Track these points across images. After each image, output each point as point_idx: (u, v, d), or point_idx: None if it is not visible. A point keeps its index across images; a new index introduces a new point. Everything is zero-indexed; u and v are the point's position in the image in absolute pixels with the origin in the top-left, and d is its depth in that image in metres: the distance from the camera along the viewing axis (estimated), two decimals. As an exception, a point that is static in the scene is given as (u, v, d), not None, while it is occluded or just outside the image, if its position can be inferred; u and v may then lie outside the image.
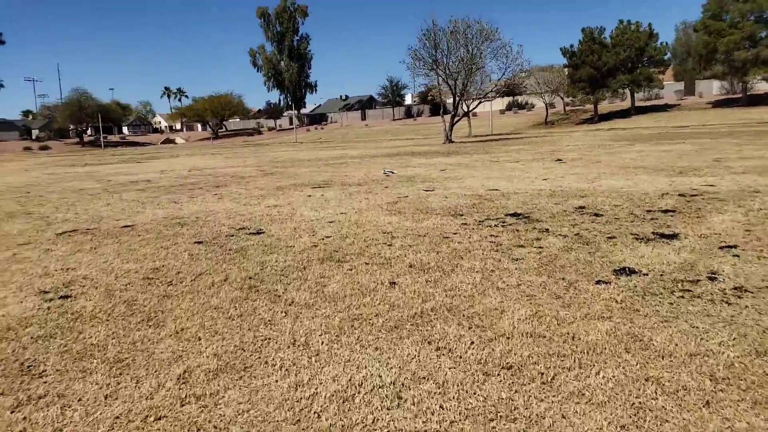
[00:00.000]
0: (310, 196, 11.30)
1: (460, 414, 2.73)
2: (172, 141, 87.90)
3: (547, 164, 16.00)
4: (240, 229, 7.79)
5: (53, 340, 3.94)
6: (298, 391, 3.03)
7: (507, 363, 3.25)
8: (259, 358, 3.50)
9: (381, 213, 8.57)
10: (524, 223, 7.25)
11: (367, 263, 5.54)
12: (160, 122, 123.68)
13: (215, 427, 2.73)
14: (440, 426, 2.63)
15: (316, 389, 3.05)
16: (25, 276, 5.70)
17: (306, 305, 4.39)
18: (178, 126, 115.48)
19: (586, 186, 10.61)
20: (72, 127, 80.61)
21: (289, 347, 3.63)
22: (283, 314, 4.23)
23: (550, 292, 4.43)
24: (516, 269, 5.10)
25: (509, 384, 3.01)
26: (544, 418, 2.66)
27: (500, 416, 2.70)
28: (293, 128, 75.30)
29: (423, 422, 2.67)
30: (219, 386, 3.15)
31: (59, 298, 4.89)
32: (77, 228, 8.51)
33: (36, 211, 10.81)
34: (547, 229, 6.75)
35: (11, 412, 2.95)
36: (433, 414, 2.74)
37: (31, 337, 4.01)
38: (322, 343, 3.67)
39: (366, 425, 2.66)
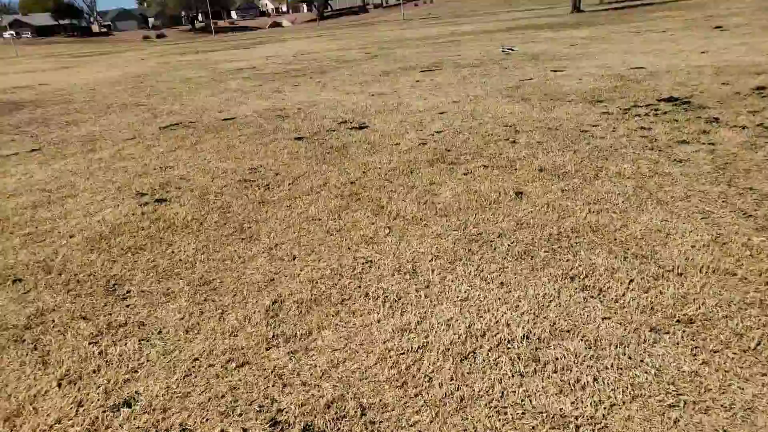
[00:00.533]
0: (418, 81, 10.37)
1: (623, 392, 2.04)
2: (279, 24, 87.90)
3: (704, 33, 13.54)
4: (342, 122, 7.20)
5: (142, 253, 3.69)
6: (404, 340, 2.48)
7: (685, 315, 2.45)
8: (359, 287, 2.99)
9: (501, 100, 7.55)
10: (684, 110, 5.96)
11: (485, 166, 4.76)
12: (266, 4, 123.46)
13: (303, 384, 2.27)
14: (597, 410, 1.97)
15: (426, 338, 2.48)
16: (125, 175, 5.58)
17: (413, 220, 3.78)
18: (284, 8, 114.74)
19: (763, 59, 8.68)
20: (183, 13, 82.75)
21: (393, 275, 3.07)
22: (387, 230, 3.65)
23: (733, 208, 3.44)
24: (681, 174, 4.08)
25: (692, 348, 2.24)
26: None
27: (683, 401, 1.98)
28: (400, 3, 71.81)
29: (572, 403, 2.02)
30: (312, 324, 2.68)
31: (154, 202, 4.68)
32: (180, 121, 8.39)
33: (145, 102, 10.93)
34: (716, 119, 5.46)
35: (89, 343, 2.70)
36: (584, 388, 2.08)
37: (122, 249, 3.79)
38: (433, 271, 3.06)
39: (492, 399, 2.07)
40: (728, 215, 3.36)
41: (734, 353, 2.18)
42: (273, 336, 2.63)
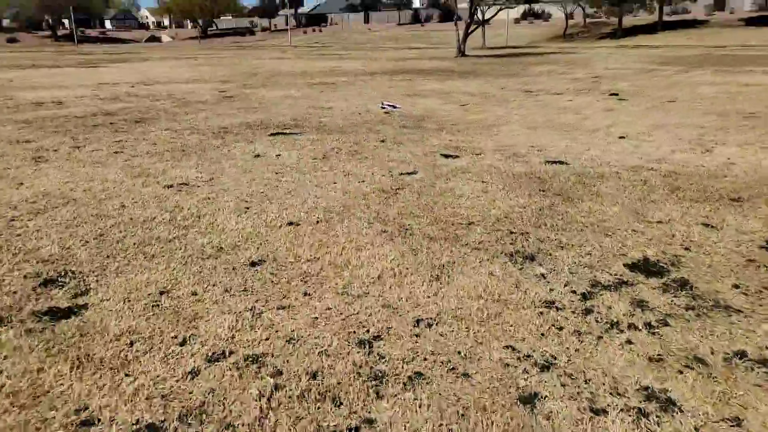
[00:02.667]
0: (257, 156, 7.05)
1: None
2: (157, 39, 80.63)
3: (602, 102, 11.54)
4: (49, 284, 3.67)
5: None
6: None
7: None
8: None
9: (366, 234, 4.42)
10: (687, 306, 3.14)
11: None
12: (147, 17, 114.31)
13: None
14: None
15: None
16: None
17: None
18: (167, 22, 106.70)
19: (705, 160, 6.36)
20: (46, 17, 73.10)
21: None
22: None
23: None
24: None
25: None
26: None
27: None
28: (288, 29, 68.29)
29: None
30: None
31: None
32: None
33: None
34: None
35: None
36: None
37: None
38: None
39: None
40: None
41: None
42: None
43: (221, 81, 17.26)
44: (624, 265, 3.64)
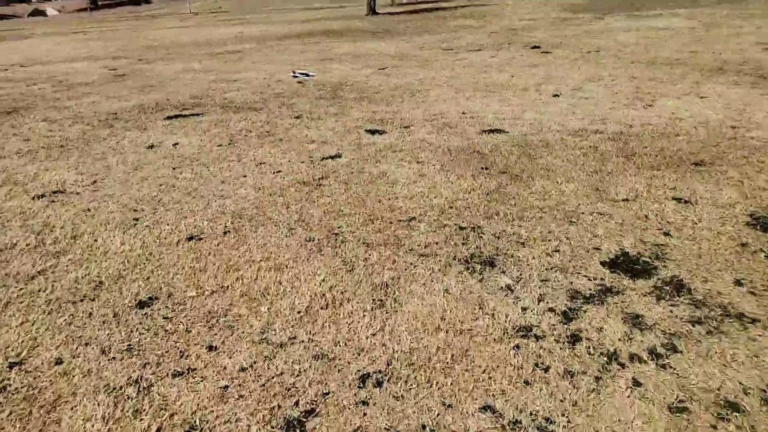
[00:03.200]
0: (151, 147, 5.92)
1: None
2: (41, 12, 72.92)
3: (526, 56, 11.00)
4: None
5: None
6: None
7: None
8: None
9: (286, 237, 3.57)
10: (670, 292, 2.57)
11: None
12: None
13: None
14: None
15: None
16: None
17: None
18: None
19: (651, 117, 5.91)
20: None
21: None
22: None
23: None
24: None
25: None
26: None
27: None
28: (188, -5, 63.55)
29: None
30: None
31: None
32: None
33: None
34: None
35: None
36: None
37: None
38: None
39: None
40: None
41: None
42: None
43: (113, 57, 15.34)
44: (601, 263, 3.01)
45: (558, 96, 7.23)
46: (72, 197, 4.58)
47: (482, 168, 4.66)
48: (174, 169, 5.13)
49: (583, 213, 3.68)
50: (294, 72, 10.21)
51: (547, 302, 2.71)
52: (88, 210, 4.25)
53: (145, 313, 2.88)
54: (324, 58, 12.29)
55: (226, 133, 6.34)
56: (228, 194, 4.41)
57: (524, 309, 2.66)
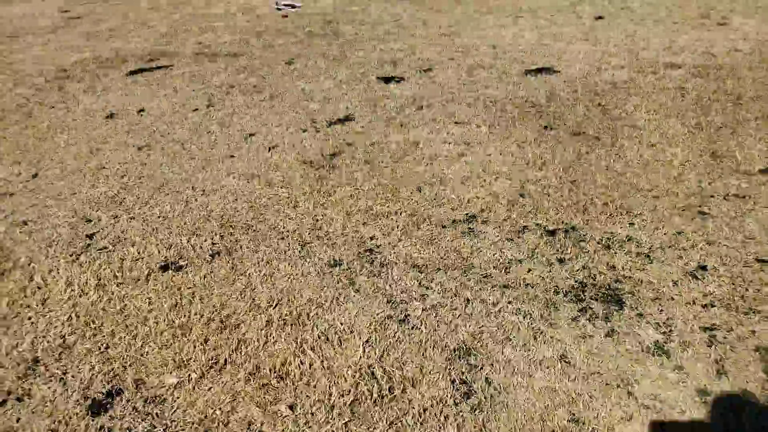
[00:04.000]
0: (110, 117, 4.68)
1: None
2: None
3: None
4: None
5: None
6: None
7: None
8: None
9: (300, 261, 2.47)
10: None
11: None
12: None
13: None
14: None
15: None
16: None
17: None
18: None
19: (731, 41, 4.70)
20: None
21: None
22: None
23: None
24: None
25: None
26: None
27: None
28: None
29: None
30: None
31: None
32: None
33: None
34: None
35: None
36: None
37: None
38: None
39: None
40: None
41: None
42: None
43: (67, -6, 13.45)
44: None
45: (603, 18, 5.93)
46: (3, 202, 3.43)
47: (544, 128, 3.52)
48: (140, 149, 3.94)
49: (713, 196, 2.59)
50: (277, 2, 8.69)
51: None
52: (24, 225, 3.12)
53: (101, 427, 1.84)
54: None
55: (203, 90, 5.08)
56: (212, 187, 3.27)
57: (702, 392, 1.64)
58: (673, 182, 2.77)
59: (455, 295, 2.20)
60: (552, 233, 2.50)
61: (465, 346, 1.95)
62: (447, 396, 1.75)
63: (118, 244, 2.83)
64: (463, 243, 2.51)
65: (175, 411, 1.84)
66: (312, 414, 1.77)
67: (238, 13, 8.42)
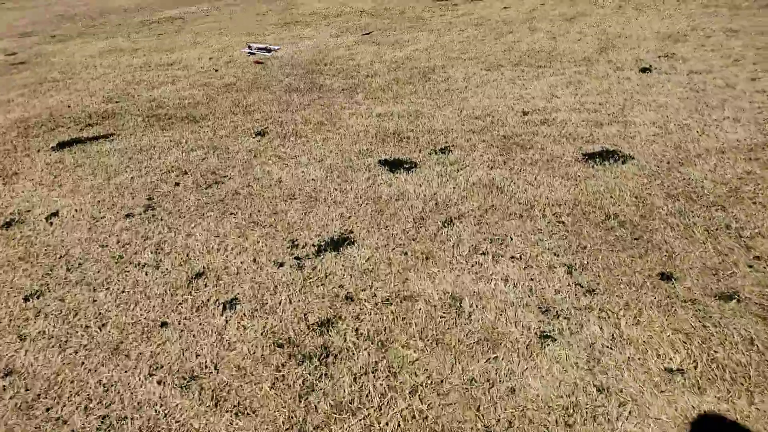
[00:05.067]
0: (8, 227, 3.25)
1: None
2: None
3: (553, 6, 8.34)
4: None
5: None
6: None
7: None
8: None
9: None
10: None
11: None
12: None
13: None
14: None
15: None
16: None
17: None
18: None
19: None
20: None
21: None
22: None
23: None
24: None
25: None
26: None
27: None
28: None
29: None
30: None
31: None
32: None
33: None
34: None
35: None
36: None
37: None
38: None
39: None
40: None
41: None
42: None
43: (20, 34, 12.06)
44: None
45: (648, 70, 4.74)
46: None
47: (660, 276, 2.21)
48: (27, 299, 2.54)
49: None
50: (249, 47, 7.40)
51: None
52: None
53: None
54: (289, 22, 9.40)
55: (144, 179, 3.71)
56: (120, 410, 1.88)
57: None
58: None
59: None
60: None
61: None
62: None
63: None
64: None
65: None
66: None
67: (205, 59, 7.10)
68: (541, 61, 5.41)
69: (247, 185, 3.44)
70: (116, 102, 5.68)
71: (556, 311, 2.04)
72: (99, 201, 3.47)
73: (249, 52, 7.16)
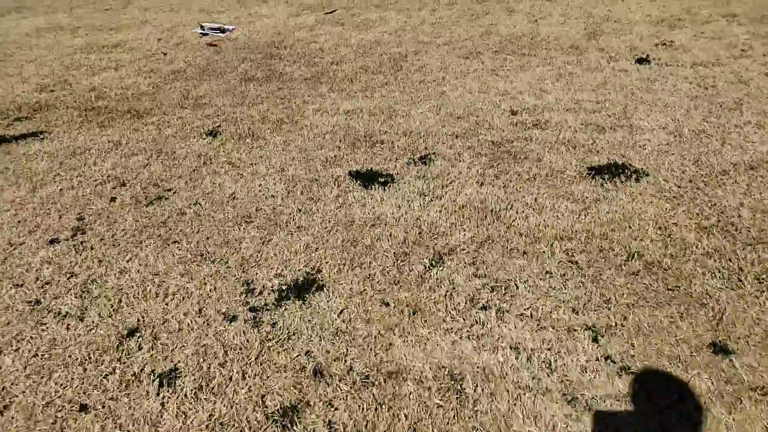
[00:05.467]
0: None
1: None
2: None
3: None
4: None
5: None
6: None
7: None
8: None
9: None
10: None
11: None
12: None
13: None
14: None
15: None
16: None
17: None
18: None
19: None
20: None
21: None
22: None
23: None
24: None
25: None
26: None
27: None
28: None
29: None
30: None
31: None
32: None
33: None
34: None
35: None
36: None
37: None
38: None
39: None
40: None
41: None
42: None
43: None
44: None
45: (646, 61, 4.38)
46: None
47: (712, 348, 1.85)
48: None
49: None
50: (202, 27, 6.74)
51: None
52: None
53: None
54: (244, -3, 8.66)
55: (75, 192, 3.17)
56: None
57: None
58: None
59: None
60: None
61: None
62: None
63: None
64: None
65: None
66: None
67: (153, 40, 6.42)
68: (524, 49, 4.99)
69: (195, 203, 2.94)
70: (51, 91, 5.02)
71: (586, 401, 1.66)
72: (20, 221, 2.93)
73: (201, 33, 6.51)
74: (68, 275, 2.45)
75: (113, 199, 3.06)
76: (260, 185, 3.07)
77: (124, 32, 7.03)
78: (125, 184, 3.21)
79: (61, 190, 3.22)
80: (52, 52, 6.47)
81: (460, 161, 3.13)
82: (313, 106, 4.14)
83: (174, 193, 3.08)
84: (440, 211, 2.64)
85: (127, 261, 2.51)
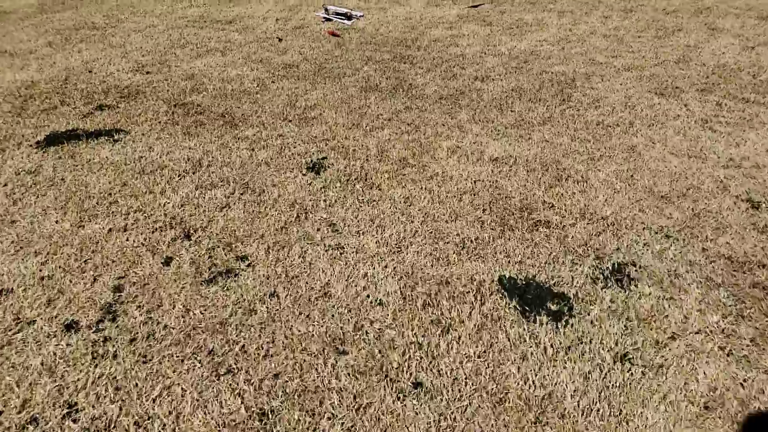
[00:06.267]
0: None
1: None
2: None
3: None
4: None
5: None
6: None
7: None
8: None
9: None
10: None
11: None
12: None
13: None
14: None
15: None
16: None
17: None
18: None
19: None
20: None
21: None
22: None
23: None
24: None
25: None
26: None
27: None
28: None
29: None
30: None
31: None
32: None
33: None
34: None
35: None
36: None
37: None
38: None
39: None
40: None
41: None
42: None
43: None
44: None
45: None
46: None
47: None
48: None
49: None
50: (326, 10, 5.83)
51: None
52: None
53: None
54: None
55: (117, 244, 2.36)
56: None
57: None
58: None
59: None
60: None
61: None
62: None
63: None
64: None
65: None
66: None
67: (272, 19, 5.61)
68: (745, 90, 3.58)
69: (272, 293, 2.01)
70: (147, 72, 4.35)
71: None
72: (43, 278, 2.15)
73: (325, 17, 5.60)
74: (66, 408, 1.60)
75: (168, 262, 2.20)
76: (365, 278, 2.07)
77: (243, 5, 6.31)
78: (190, 237, 2.35)
79: (110, 230, 2.42)
80: (163, 21, 5.88)
81: (680, 290, 1.94)
82: (448, 142, 3.08)
83: (249, 266, 2.16)
84: (666, 410, 1.49)
85: (153, 400, 1.62)
